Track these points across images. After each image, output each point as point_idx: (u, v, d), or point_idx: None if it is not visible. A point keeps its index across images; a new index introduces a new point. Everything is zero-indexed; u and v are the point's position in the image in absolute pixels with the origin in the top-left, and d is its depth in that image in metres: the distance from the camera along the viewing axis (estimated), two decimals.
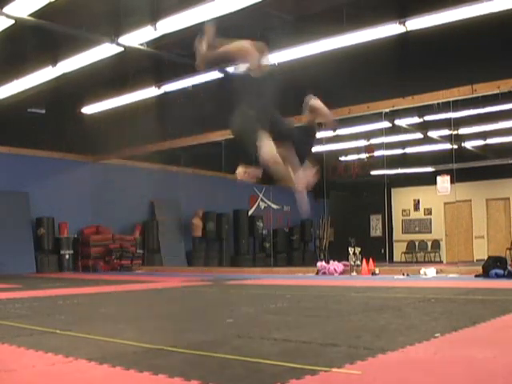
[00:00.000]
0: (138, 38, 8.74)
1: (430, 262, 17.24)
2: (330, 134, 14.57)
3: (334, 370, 2.39)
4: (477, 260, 15.58)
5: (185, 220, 16.70)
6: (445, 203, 17.86)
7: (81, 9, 8.79)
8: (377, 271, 10.64)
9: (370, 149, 17.18)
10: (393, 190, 18.88)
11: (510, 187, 17.31)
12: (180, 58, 11.01)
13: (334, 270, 11.09)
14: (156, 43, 9.41)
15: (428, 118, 13.17)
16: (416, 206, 19.59)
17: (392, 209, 19.15)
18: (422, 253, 18.95)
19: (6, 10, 7.58)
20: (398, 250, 19.05)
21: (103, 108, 12.70)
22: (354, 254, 10.93)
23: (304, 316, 4.34)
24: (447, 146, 14.70)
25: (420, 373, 2.37)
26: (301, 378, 2.26)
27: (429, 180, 14.93)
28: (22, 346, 3.08)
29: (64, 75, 10.22)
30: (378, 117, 12.69)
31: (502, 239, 16.74)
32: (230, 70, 10.37)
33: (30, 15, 7.90)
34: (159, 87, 11.37)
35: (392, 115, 12.85)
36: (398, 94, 9.86)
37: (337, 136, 14.87)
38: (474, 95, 9.31)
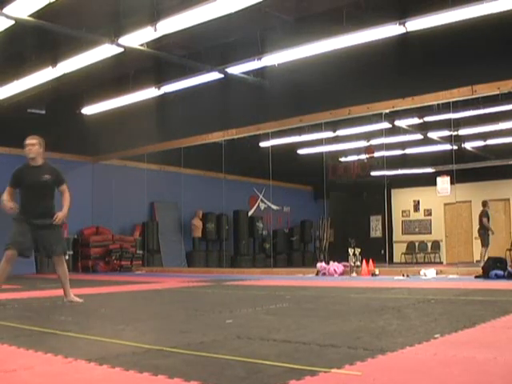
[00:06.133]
0: (138, 38, 8.75)
1: (430, 263, 17.25)
2: (330, 134, 14.61)
3: (334, 370, 2.39)
4: (477, 261, 15.56)
5: (185, 221, 16.70)
6: (445, 204, 17.87)
7: (81, 9, 8.81)
8: (377, 272, 10.64)
9: (369, 149, 17.19)
10: (393, 190, 18.88)
11: (510, 188, 17.31)
12: (180, 59, 11.03)
13: (334, 270, 11.08)
14: (156, 44, 9.42)
15: (428, 118, 13.18)
16: (416, 207, 19.59)
17: (392, 210, 19.14)
18: (422, 254, 18.95)
19: (5, 10, 7.59)
20: (398, 250, 19.04)
21: (103, 108, 12.71)
22: (354, 254, 10.92)
23: (304, 317, 4.34)
24: (447, 146, 14.70)
25: (420, 374, 2.37)
26: (300, 378, 2.25)
27: (429, 181, 14.93)
28: (22, 347, 3.08)
29: (64, 76, 10.23)
30: (377, 117, 12.69)
31: (501, 240, 16.73)
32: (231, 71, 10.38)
33: (30, 16, 7.91)
34: (159, 88, 11.38)
35: (392, 116, 12.86)
36: (398, 94, 9.87)
37: (337, 137, 14.90)
38: (474, 96, 9.31)
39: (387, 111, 11.33)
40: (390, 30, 8.18)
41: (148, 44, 9.23)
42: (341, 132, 14.46)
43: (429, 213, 19.24)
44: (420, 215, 19.51)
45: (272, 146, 15.02)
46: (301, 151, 17.00)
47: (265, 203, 19.29)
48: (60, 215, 5.67)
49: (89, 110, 13.03)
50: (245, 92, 11.68)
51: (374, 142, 15.91)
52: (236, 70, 10.43)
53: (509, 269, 8.84)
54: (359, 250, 10.97)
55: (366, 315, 4.38)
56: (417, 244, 19.24)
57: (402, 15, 8.05)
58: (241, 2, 7.34)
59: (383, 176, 15.56)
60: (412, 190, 19.32)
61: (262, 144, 15.44)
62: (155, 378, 2.32)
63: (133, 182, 15.46)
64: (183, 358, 2.73)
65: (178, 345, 3.05)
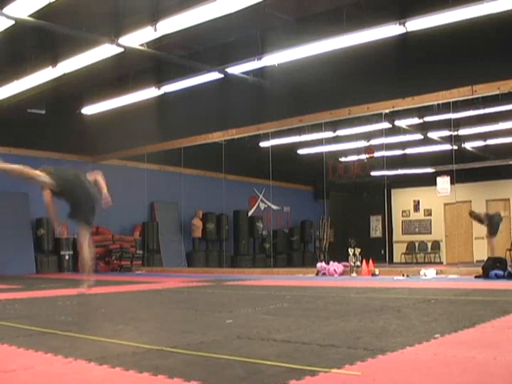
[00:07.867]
0: (138, 38, 8.75)
1: (430, 263, 17.25)
2: (330, 134, 14.62)
3: (334, 370, 2.39)
4: (477, 261, 15.57)
5: (185, 221, 16.69)
6: (445, 204, 17.87)
7: (81, 9, 8.81)
8: (377, 272, 10.64)
9: (369, 150, 17.19)
10: (393, 190, 18.89)
11: (510, 188, 17.31)
12: (180, 59, 11.03)
13: (334, 270, 11.09)
14: (156, 44, 9.42)
15: (428, 118, 13.18)
16: (416, 207, 19.59)
17: (392, 210, 19.14)
18: (422, 254, 18.95)
19: (5, 10, 7.59)
20: (398, 250, 19.04)
21: (103, 108, 12.71)
22: (354, 254, 10.92)
23: (304, 317, 4.34)
24: (447, 146, 14.71)
25: (420, 374, 2.37)
26: (300, 378, 2.25)
27: (429, 181, 14.94)
28: (22, 347, 3.08)
29: (64, 76, 10.23)
30: (377, 117, 12.70)
31: (501, 240, 16.72)
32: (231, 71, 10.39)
33: (30, 16, 7.91)
34: (159, 88, 11.38)
35: (392, 116, 12.86)
36: (398, 94, 9.87)
37: (337, 137, 14.90)
38: (474, 96, 9.31)
39: (387, 111, 11.34)
40: (390, 30, 8.18)
41: (148, 44, 9.23)
42: (341, 132, 14.46)
43: (429, 213, 19.24)
44: (420, 215, 19.51)
45: (272, 146, 15.03)
46: (301, 151, 17.01)
47: (265, 203, 19.29)
48: None
49: (89, 109, 13.03)
50: (245, 92, 11.68)
51: (374, 141, 15.91)
52: (236, 70, 10.42)
53: (509, 269, 8.84)
54: (359, 250, 10.97)
55: (366, 315, 4.38)
56: (417, 244, 19.24)
57: (401, 15, 8.04)
58: (241, 2, 7.34)
59: (383, 176, 15.56)
60: (412, 190, 19.32)
61: (262, 144, 15.44)
62: (155, 378, 2.32)
63: (133, 182, 15.46)
64: (183, 358, 2.73)
65: (178, 345, 3.05)
